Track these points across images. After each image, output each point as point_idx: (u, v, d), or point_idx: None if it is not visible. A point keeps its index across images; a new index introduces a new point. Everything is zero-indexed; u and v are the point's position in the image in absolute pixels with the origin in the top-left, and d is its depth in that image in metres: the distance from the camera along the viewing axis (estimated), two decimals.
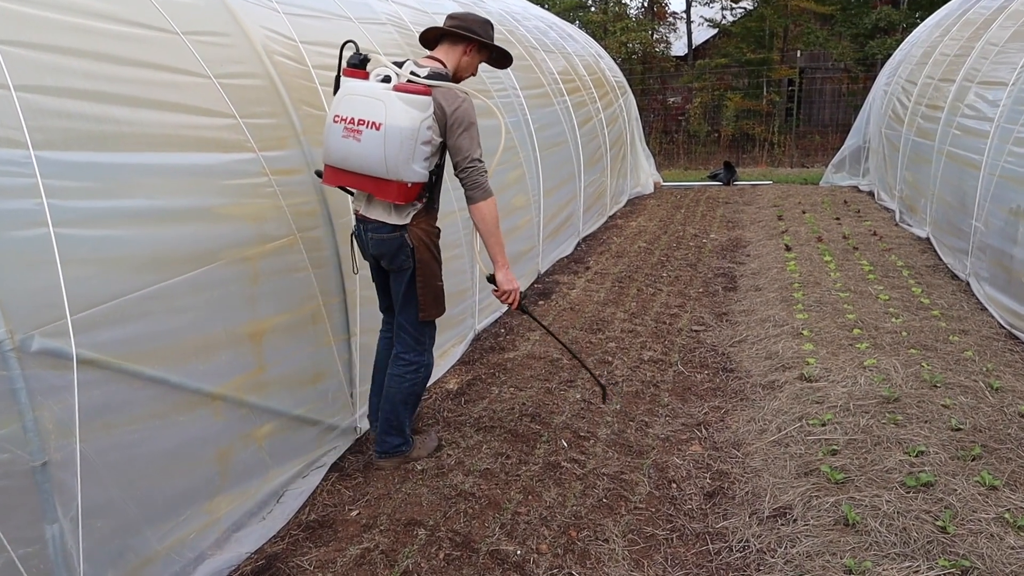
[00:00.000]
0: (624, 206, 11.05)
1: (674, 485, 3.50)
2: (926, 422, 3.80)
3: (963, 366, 4.52)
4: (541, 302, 6.26)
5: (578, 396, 4.39)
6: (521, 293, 3.56)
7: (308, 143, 3.72)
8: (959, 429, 3.71)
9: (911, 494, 3.18)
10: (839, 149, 12.99)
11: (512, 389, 4.53)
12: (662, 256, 7.79)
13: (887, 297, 5.84)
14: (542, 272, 7.12)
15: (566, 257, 7.83)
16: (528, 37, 8.69)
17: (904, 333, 5.07)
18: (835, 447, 3.61)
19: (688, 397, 4.44)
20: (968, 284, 6.22)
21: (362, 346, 4.03)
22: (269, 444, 3.36)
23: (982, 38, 7.58)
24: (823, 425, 3.83)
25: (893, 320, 5.33)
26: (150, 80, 3.00)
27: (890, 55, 17.12)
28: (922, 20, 18.54)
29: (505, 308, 6.03)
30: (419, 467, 3.65)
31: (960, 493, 3.15)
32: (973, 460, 3.42)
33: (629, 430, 4.01)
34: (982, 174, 6.18)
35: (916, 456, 3.46)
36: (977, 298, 5.89)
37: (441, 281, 3.51)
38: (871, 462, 3.45)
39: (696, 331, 5.52)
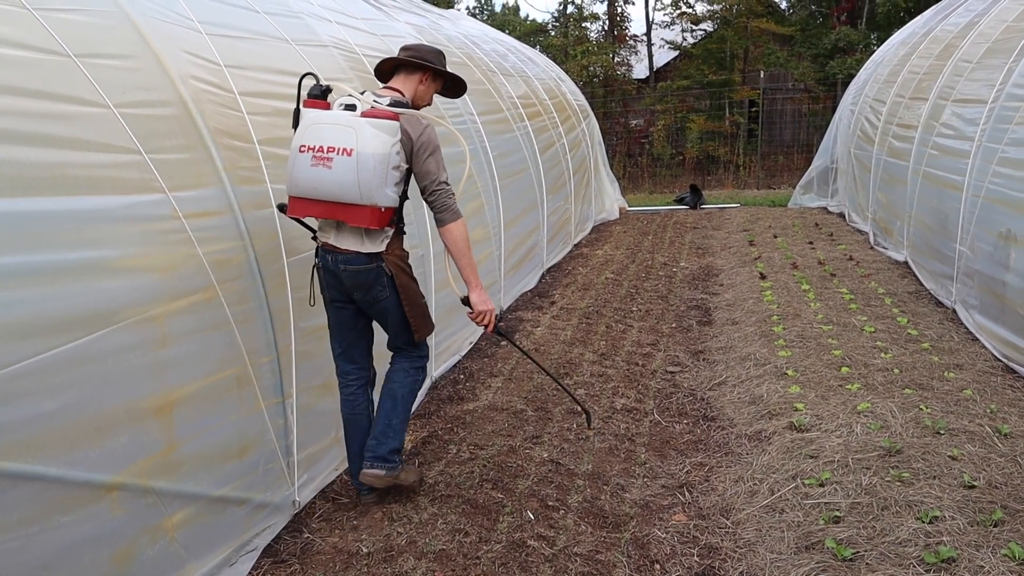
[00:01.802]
0: (589, 233, 10.66)
1: (657, 566, 3.04)
2: (935, 478, 3.40)
3: (964, 408, 4.14)
4: (504, 343, 5.81)
5: (545, 455, 3.93)
6: (497, 315, 3.52)
7: (231, 180, 3.25)
8: (973, 486, 3.31)
9: (932, 574, 2.76)
10: (803, 169, 12.79)
11: (472, 447, 4.06)
12: (631, 288, 7.39)
13: (873, 329, 5.47)
14: (504, 309, 6.68)
15: (530, 291, 7.40)
16: (486, 60, 8.30)
17: (896, 370, 4.69)
18: (837, 513, 3.18)
19: (667, 452, 4.00)
20: (955, 312, 5.89)
21: (300, 408, 3.54)
22: (184, 534, 2.85)
23: (954, 55, 7.33)
24: (821, 485, 3.41)
25: (882, 355, 4.95)
26: (30, 111, 2.52)
27: (851, 75, 17.05)
28: (879, 40, 18.64)
29: (465, 352, 5.59)
30: (364, 550, 3.16)
31: (988, 571, 2.73)
32: (995, 526, 3.01)
33: (603, 495, 3.56)
34: (965, 196, 5.87)
35: (930, 523, 3.05)
36: (966, 327, 5.55)
37: (424, 299, 3.48)
38: (881, 532, 3.02)
39: (671, 372, 5.10)
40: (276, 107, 3.87)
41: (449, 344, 5.44)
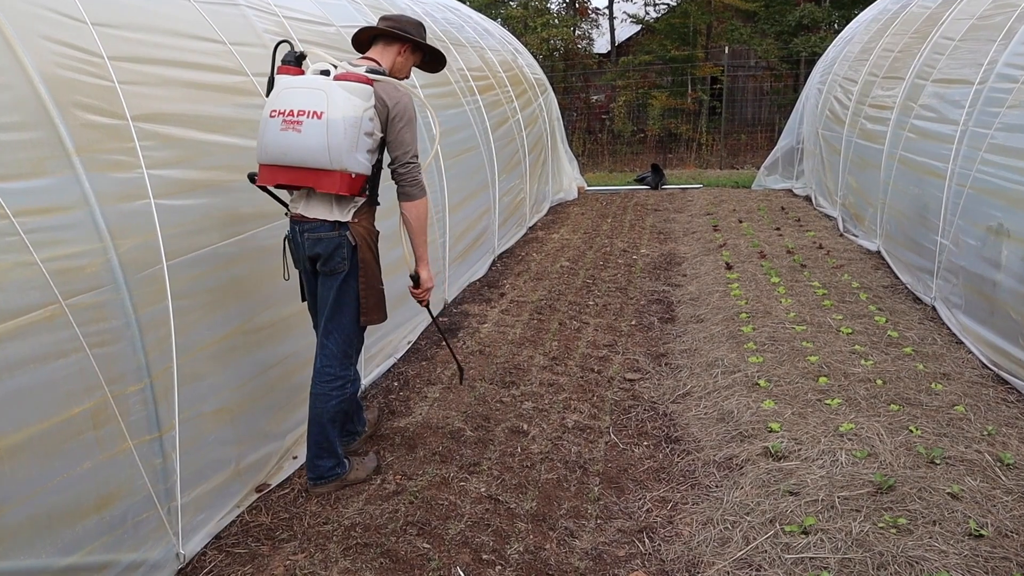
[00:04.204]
0: (546, 215, 10.08)
1: None
2: (935, 523, 2.90)
3: (959, 429, 3.66)
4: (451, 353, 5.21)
5: (483, 488, 3.37)
6: None
7: (86, 166, 2.61)
8: (980, 535, 2.82)
9: None
10: (766, 148, 12.32)
11: (399, 477, 3.49)
12: (588, 278, 6.83)
13: (850, 330, 4.99)
14: (449, 301, 6.09)
15: (479, 280, 6.81)
16: (434, 29, 7.63)
17: (879, 381, 4.20)
18: (826, 573, 2.67)
19: (625, 485, 3.45)
20: (935, 309, 5.43)
21: (185, 441, 2.94)
22: None
23: (933, 32, 6.83)
24: (804, 534, 2.89)
25: (863, 362, 4.46)
26: None
27: (815, 52, 16.62)
28: (843, 19, 18.21)
29: (401, 355, 4.99)
30: None
31: None
32: None
33: (548, 544, 3.00)
34: (948, 184, 5.39)
35: None
36: (949, 328, 5.09)
37: (383, 285, 3.37)
38: None
39: (630, 381, 4.56)
40: (164, 75, 3.23)
41: (384, 345, 4.85)
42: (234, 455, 3.32)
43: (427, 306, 3.65)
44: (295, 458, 3.73)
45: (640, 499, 3.32)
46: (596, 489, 3.39)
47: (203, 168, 3.28)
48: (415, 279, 3.46)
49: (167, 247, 2.91)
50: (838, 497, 3.09)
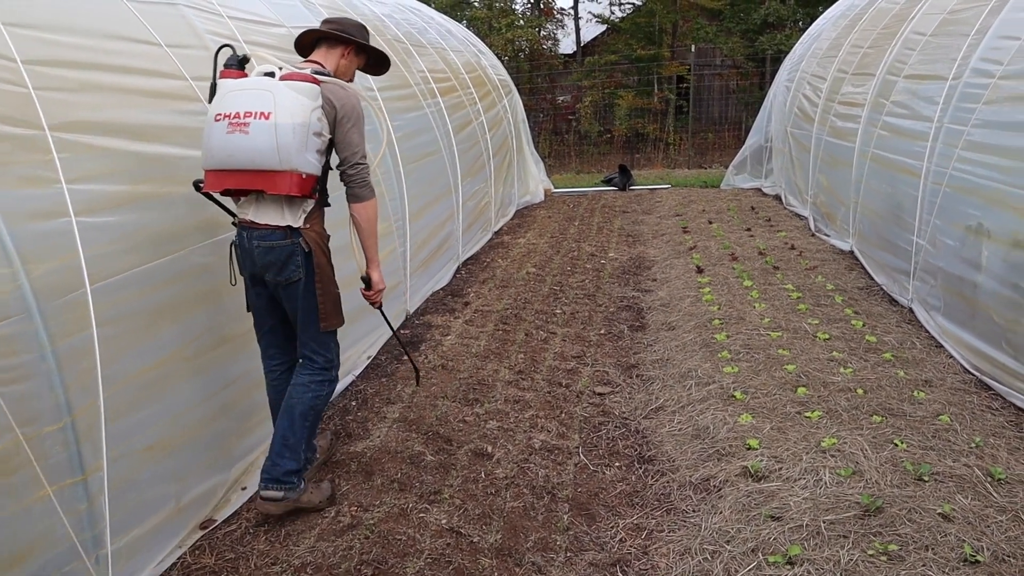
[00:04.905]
0: (512, 219, 9.86)
1: None
2: (928, 548, 2.71)
3: (945, 441, 3.48)
4: (406, 357, 4.97)
5: (444, 520, 3.12)
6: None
7: None
8: (976, 561, 2.63)
9: None
10: (733, 147, 12.20)
11: (354, 509, 3.24)
12: (555, 284, 6.61)
13: (827, 336, 4.81)
14: (411, 312, 5.84)
15: (442, 289, 6.56)
16: (392, 29, 7.37)
17: (860, 390, 4.03)
18: None
19: (596, 511, 3.23)
20: (912, 311, 5.28)
21: (115, 482, 2.67)
22: None
23: (904, 28, 6.70)
24: (790, 564, 2.69)
25: (842, 370, 4.28)
26: None
27: (780, 50, 16.57)
28: (808, 16, 18.18)
29: (361, 370, 4.74)
30: None
31: None
32: None
33: None
34: (923, 183, 5.24)
35: None
36: (928, 330, 4.94)
37: (338, 288, 3.27)
38: None
39: (600, 395, 4.35)
40: (88, 80, 2.95)
41: (342, 362, 4.59)
42: (174, 492, 3.05)
43: (380, 308, 3.54)
44: (244, 489, 3.47)
45: (613, 527, 3.10)
46: (565, 518, 3.16)
47: (134, 181, 3.01)
48: (366, 281, 3.39)
49: (91, 269, 2.64)
50: (824, 521, 2.89)
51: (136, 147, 3.06)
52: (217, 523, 3.23)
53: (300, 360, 3.28)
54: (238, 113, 2.88)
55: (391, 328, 3.98)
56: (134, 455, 2.82)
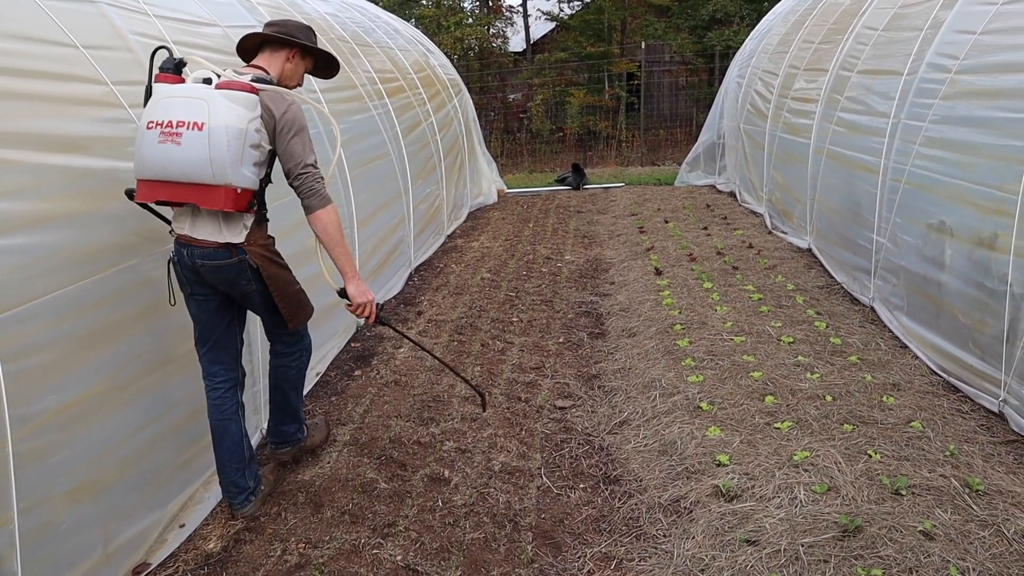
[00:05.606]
0: (465, 221, 9.63)
1: None
2: (913, 571, 2.57)
3: (919, 450, 3.36)
4: (357, 373, 4.73)
5: (399, 556, 2.90)
6: (378, 304, 3.23)
7: None
8: None
9: None
10: (685, 143, 12.12)
11: (302, 545, 3.00)
12: (511, 290, 6.41)
13: (791, 339, 4.69)
14: (362, 324, 5.60)
15: (395, 298, 6.32)
16: (337, 28, 7.10)
17: (828, 397, 3.90)
18: None
19: (562, 540, 3.03)
20: (874, 310, 5.19)
21: (29, 533, 2.41)
22: None
23: (855, 22, 6.63)
24: None
25: (809, 376, 4.15)
26: None
27: (729, 46, 16.60)
28: (756, 11, 18.25)
29: (308, 391, 4.48)
30: None
31: None
32: None
33: None
34: (881, 180, 5.15)
35: None
36: (891, 330, 4.84)
37: (297, 285, 3.17)
38: None
39: (562, 409, 4.16)
40: None
41: None
42: (100, 537, 2.78)
43: (378, 320, 3.27)
44: (182, 526, 3.21)
45: (580, 557, 2.90)
46: (529, 548, 2.96)
47: (49, 197, 2.73)
48: (343, 295, 3.18)
49: None
50: (802, 545, 2.73)
51: (50, 159, 2.78)
52: (152, 567, 2.97)
53: (272, 341, 3.33)
54: (171, 122, 2.74)
55: (425, 349, 3.70)
56: (52, 501, 2.55)
